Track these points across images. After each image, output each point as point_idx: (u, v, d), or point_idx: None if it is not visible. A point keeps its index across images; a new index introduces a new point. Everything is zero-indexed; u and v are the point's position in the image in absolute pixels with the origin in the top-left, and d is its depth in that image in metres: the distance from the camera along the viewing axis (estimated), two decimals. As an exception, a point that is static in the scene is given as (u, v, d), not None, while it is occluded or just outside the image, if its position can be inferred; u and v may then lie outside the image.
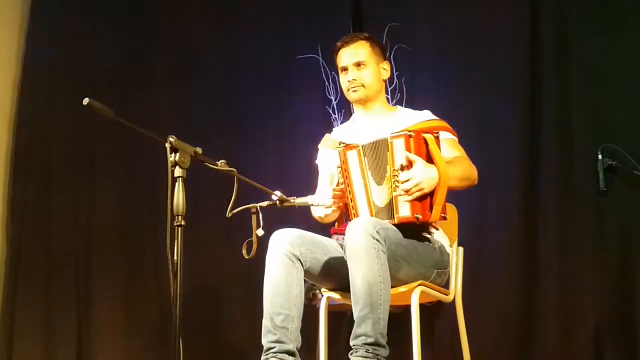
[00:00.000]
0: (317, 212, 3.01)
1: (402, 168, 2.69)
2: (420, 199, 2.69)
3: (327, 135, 3.07)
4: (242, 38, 4.36)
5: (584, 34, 3.83)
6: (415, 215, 2.68)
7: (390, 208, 2.74)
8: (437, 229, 2.93)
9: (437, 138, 2.75)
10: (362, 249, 2.56)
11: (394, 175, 2.70)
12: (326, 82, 4.15)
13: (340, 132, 3.14)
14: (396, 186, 2.69)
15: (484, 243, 3.81)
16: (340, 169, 2.86)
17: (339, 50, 3.09)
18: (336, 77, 4.12)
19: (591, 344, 3.62)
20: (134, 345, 4.10)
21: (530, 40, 3.92)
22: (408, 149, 2.69)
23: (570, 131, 3.80)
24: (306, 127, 4.22)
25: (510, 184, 3.87)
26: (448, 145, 2.90)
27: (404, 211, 2.70)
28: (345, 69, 3.07)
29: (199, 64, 4.35)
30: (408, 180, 2.66)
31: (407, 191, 2.67)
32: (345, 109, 4.13)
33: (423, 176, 2.66)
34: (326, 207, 2.89)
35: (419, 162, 2.68)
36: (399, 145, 2.71)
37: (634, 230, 3.66)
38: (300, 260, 2.75)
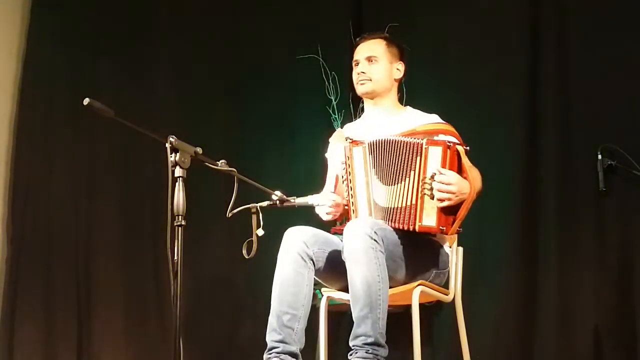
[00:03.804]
0: (321, 216, 3.00)
1: (433, 177, 2.66)
2: (448, 211, 2.67)
3: (338, 129, 3.10)
4: (242, 38, 4.37)
5: (584, 34, 3.83)
6: (440, 227, 2.66)
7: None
8: (434, 236, 2.90)
9: (466, 150, 2.73)
10: (361, 250, 2.57)
11: (423, 182, 2.67)
12: (326, 82, 4.15)
13: (351, 128, 3.14)
14: (424, 194, 2.66)
15: (484, 243, 3.81)
16: (344, 164, 2.86)
17: (357, 45, 3.11)
18: (336, 77, 4.15)
19: (591, 343, 3.62)
20: (135, 345, 4.10)
21: (530, 40, 3.92)
22: (444, 159, 2.66)
23: (570, 131, 3.80)
24: (306, 127, 4.23)
25: (510, 183, 3.87)
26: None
27: (429, 221, 2.66)
28: (357, 62, 3.06)
29: (200, 65, 4.36)
30: (448, 184, 2.62)
31: (441, 200, 2.63)
32: (345, 109, 4.14)
33: (459, 188, 2.64)
34: (327, 214, 2.90)
35: (454, 173, 2.66)
36: (435, 153, 2.67)
37: (634, 230, 3.65)
38: (312, 260, 2.74)
